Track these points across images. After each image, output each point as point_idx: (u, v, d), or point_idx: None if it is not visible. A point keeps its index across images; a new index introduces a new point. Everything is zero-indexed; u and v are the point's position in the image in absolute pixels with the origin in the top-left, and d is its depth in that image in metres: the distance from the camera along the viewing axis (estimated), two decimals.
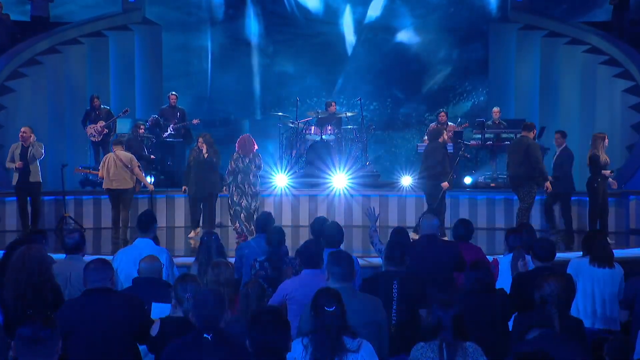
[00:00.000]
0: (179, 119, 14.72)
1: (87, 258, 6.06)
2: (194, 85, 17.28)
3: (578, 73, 15.64)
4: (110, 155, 11.49)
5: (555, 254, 5.89)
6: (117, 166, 11.30)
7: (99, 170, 11.68)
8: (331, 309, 4.19)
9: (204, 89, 17.34)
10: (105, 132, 14.02)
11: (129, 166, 11.31)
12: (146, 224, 6.55)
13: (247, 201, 11.07)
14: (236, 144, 11.18)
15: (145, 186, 11.91)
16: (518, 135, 11.51)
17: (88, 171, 12.58)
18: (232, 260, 6.58)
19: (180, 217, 13.26)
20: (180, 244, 11.93)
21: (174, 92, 15.12)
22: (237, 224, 11.14)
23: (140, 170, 11.54)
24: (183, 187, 11.74)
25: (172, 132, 14.54)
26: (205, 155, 11.22)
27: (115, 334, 4.72)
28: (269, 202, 13.34)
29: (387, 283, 5.47)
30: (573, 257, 6.64)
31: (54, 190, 13.29)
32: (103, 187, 11.53)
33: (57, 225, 12.36)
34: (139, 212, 8.20)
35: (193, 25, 17.31)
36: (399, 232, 6.86)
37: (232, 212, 11.21)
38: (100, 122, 14.08)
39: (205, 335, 4.03)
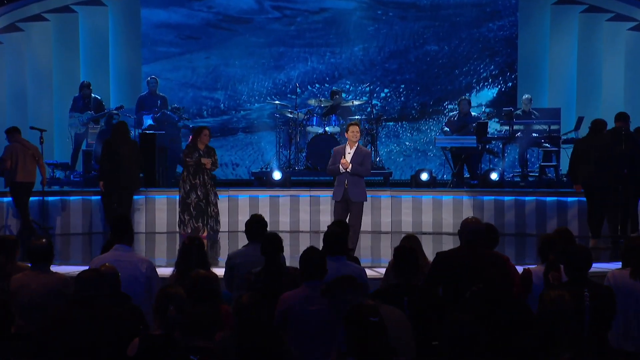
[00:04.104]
0: (160, 107, 14.79)
1: (54, 268, 6.15)
2: (177, 69, 17.33)
3: (622, 54, 15.67)
4: (16, 145, 12.02)
5: (591, 265, 5.92)
6: (27, 158, 11.94)
7: (3, 161, 12.09)
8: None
9: (189, 73, 17.38)
10: (89, 124, 14.18)
11: (36, 158, 12.04)
12: (121, 230, 6.57)
13: (198, 195, 11.83)
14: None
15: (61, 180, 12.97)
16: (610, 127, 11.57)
17: None
18: (216, 270, 6.65)
19: (162, 221, 13.34)
20: (162, 252, 12.02)
21: (154, 76, 15.20)
22: (199, 224, 11.78)
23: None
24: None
25: (153, 123, 14.62)
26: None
27: (100, 347, 4.87)
28: (264, 203, 13.42)
29: (397, 298, 5.52)
30: (612, 269, 6.67)
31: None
32: (15, 179, 11.95)
33: (20, 231, 12.44)
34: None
35: None
36: (410, 239, 6.93)
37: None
38: (89, 111, 14.27)
39: (192, 357, 4.10)
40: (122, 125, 12.40)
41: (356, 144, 10.22)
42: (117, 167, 11.92)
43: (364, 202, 10.37)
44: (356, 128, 10.28)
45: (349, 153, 10.16)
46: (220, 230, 12.83)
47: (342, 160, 10.08)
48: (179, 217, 11.85)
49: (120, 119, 14.37)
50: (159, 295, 5.09)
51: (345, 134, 10.44)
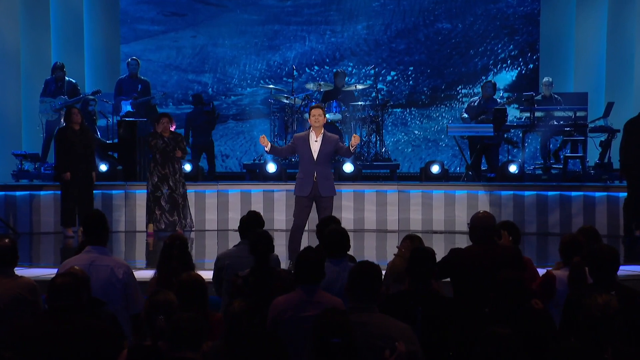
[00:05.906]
0: (141, 92, 14.77)
1: (24, 272, 6.14)
2: (160, 50, 17.32)
3: None
4: None
5: (619, 266, 5.91)
6: None
7: None
8: (336, 341, 4.17)
9: (173, 54, 17.37)
10: (62, 110, 14.16)
11: None
12: (95, 228, 6.50)
13: (170, 187, 12.17)
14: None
15: None
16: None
17: None
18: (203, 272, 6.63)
19: (144, 219, 13.32)
20: (143, 253, 12.02)
21: (135, 58, 15.18)
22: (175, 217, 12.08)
23: None
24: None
25: (131, 110, 14.60)
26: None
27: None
28: (257, 199, 13.41)
29: (409, 307, 5.49)
30: None
31: None
32: None
33: None
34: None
35: None
36: (414, 240, 6.92)
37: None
38: (63, 96, 14.26)
39: None
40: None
41: (322, 130, 9.82)
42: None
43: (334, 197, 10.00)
44: (319, 111, 9.83)
45: (315, 141, 9.78)
46: (208, 229, 12.88)
47: (355, 137, 9.82)
48: (148, 213, 12.22)
49: (96, 105, 14.37)
50: (148, 303, 5.09)
51: (308, 119, 10.07)
